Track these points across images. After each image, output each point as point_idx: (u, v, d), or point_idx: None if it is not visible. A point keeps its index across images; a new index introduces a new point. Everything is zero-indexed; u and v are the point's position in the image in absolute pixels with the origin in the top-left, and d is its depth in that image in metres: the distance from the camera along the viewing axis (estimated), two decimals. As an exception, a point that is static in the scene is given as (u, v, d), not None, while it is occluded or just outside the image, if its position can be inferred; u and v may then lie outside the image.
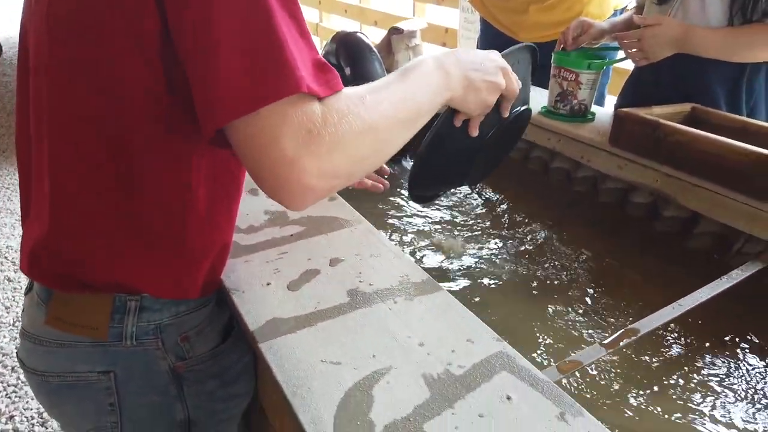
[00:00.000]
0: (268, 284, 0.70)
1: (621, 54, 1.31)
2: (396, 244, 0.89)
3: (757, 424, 0.69)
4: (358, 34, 1.39)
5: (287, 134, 0.50)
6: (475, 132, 0.78)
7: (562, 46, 1.31)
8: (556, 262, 1.02)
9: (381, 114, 0.57)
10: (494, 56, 0.74)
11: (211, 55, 0.50)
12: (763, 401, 0.73)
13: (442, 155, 0.81)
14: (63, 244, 0.65)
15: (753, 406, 0.72)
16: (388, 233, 1.10)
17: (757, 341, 0.83)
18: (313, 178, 0.51)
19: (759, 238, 0.92)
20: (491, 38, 1.78)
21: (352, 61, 1.37)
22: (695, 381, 0.76)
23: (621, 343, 0.70)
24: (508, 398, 0.53)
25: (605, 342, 0.71)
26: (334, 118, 0.53)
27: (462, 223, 1.16)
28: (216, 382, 0.75)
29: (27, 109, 0.66)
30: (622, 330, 0.72)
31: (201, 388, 0.74)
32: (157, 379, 0.71)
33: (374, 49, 1.38)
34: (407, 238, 1.10)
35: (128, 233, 0.63)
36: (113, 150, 0.59)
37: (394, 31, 1.70)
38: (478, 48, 1.90)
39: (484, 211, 1.22)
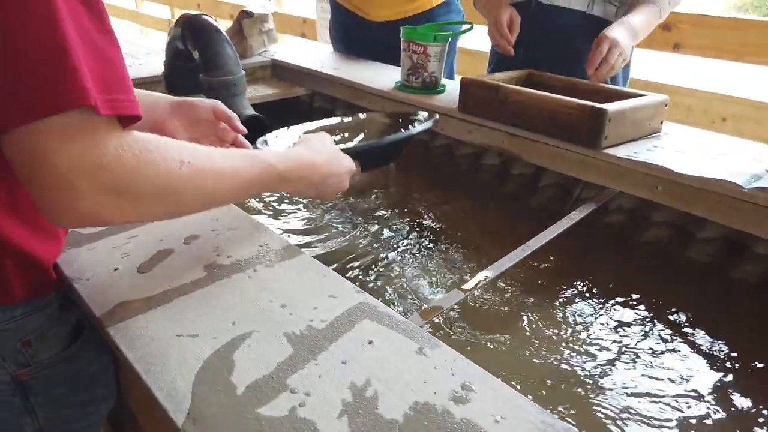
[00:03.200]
0: (115, 269, 0.66)
1: (465, 27, 1.38)
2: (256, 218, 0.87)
3: (602, 345, 0.77)
4: (204, 16, 1.33)
5: (67, 157, 0.45)
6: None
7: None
8: (415, 223, 1.06)
9: (190, 180, 0.55)
10: (342, 172, 0.77)
11: None
12: (604, 323, 0.81)
13: None
14: None
15: (597, 329, 0.79)
16: (250, 211, 1.08)
17: (595, 272, 0.91)
18: (91, 209, 0.48)
19: (593, 184, 1.02)
20: (342, 19, 1.79)
21: (200, 44, 1.32)
22: (545, 312, 0.82)
23: (478, 286, 0.74)
24: (370, 342, 0.54)
25: (463, 287, 0.74)
26: (134, 157, 0.49)
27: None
28: (67, 388, 0.69)
29: None
30: (478, 274, 0.77)
31: (51, 396, 0.68)
32: (-2, 393, 0.63)
33: (221, 30, 1.33)
34: (268, 213, 1.08)
35: None
36: None
37: (245, 15, 1.66)
38: (331, 31, 1.90)
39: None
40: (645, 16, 1.24)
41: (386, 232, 1.03)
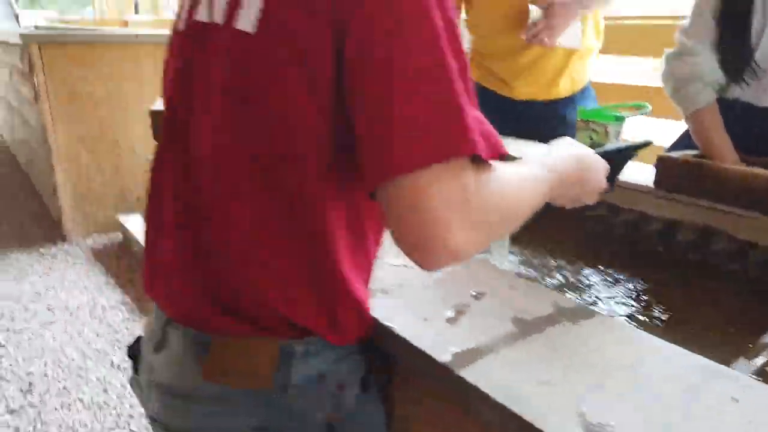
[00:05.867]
0: (425, 320, 0.69)
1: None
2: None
3: None
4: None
5: (443, 197, 0.48)
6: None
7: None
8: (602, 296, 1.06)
9: (515, 197, 0.58)
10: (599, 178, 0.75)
11: (385, 106, 0.48)
12: None
13: None
14: (230, 279, 0.61)
15: None
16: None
17: None
18: (459, 243, 0.50)
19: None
20: (481, 98, 1.88)
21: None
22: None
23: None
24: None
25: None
26: (485, 189, 0.52)
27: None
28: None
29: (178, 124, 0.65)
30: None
31: None
32: (311, 432, 0.66)
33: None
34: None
35: (288, 266, 0.60)
36: (281, 192, 0.58)
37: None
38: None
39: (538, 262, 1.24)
40: None
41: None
